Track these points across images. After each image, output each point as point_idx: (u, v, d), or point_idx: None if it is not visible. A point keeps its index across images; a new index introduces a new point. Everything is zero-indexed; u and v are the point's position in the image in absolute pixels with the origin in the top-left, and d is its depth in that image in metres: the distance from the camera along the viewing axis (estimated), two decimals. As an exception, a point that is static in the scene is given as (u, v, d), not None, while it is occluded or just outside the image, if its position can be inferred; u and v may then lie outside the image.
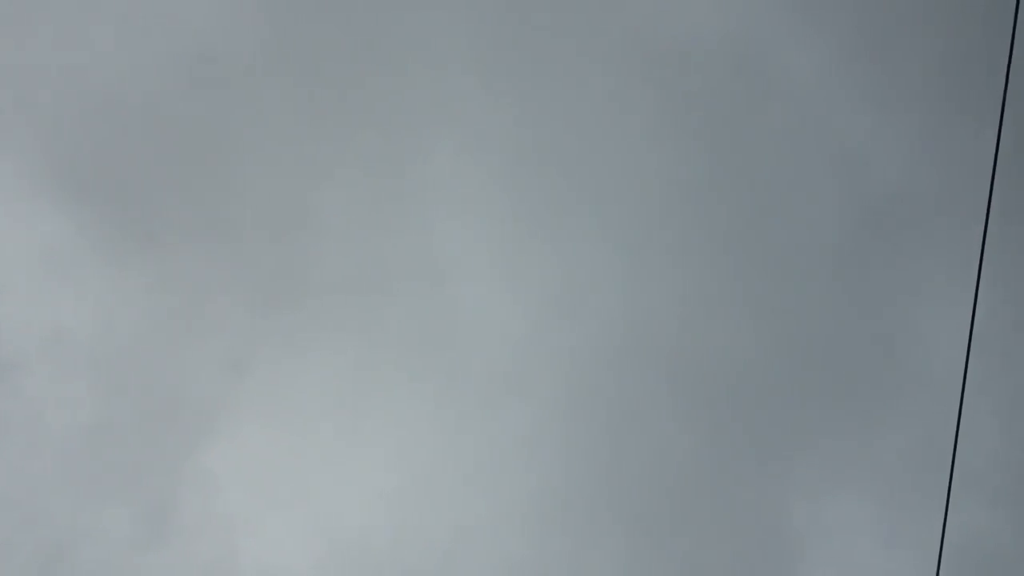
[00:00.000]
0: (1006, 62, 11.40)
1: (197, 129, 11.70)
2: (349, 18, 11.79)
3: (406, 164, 11.96)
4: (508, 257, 12.09)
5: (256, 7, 11.65)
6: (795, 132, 12.12)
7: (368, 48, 11.83)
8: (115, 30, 11.56)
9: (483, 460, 12.01)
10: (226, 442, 11.78)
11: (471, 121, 11.95)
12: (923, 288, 12.30)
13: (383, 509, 11.88)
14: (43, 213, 11.52)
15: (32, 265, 11.55)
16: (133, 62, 11.56)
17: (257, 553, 11.70)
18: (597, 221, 12.14)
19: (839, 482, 12.39)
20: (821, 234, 12.23)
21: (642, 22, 11.97)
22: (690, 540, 12.19)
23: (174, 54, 11.60)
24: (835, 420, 12.36)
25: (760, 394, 12.28)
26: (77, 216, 11.58)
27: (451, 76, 11.90)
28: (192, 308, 11.81)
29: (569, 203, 12.11)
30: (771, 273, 12.24)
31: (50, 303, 11.57)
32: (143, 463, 11.62)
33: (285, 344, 11.87)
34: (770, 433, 12.32)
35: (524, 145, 12.04)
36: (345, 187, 11.93)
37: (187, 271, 11.81)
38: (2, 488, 11.32)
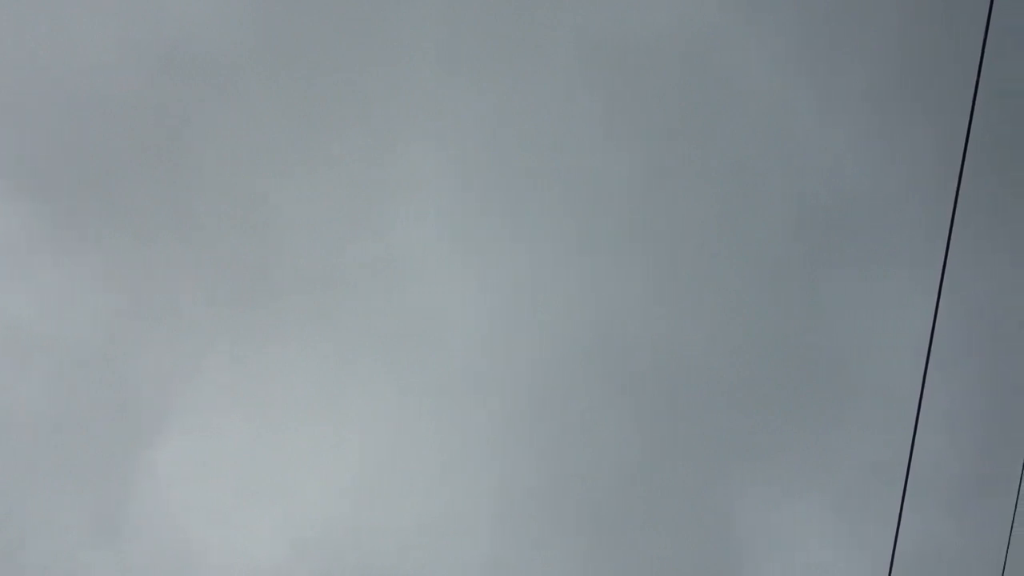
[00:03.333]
0: (965, 68, 11.49)
1: (158, 121, 11.56)
2: (317, 16, 11.71)
3: (372, 162, 11.91)
4: (473, 255, 12.08)
5: (234, 5, 11.54)
6: (751, 134, 12.16)
7: (335, 46, 11.76)
8: (72, 18, 11.31)
9: (446, 458, 12.01)
10: (184, 438, 11.71)
11: (437, 119, 11.93)
12: (879, 295, 12.40)
13: (346, 504, 11.85)
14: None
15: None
16: (91, 51, 11.33)
17: (219, 549, 11.64)
18: (559, 220, 12.17)
19: (792, 487, 12.48)
20: (777, 238, 12.29)
21: (601, 21, 11.98)
22: (645, 542, 12.25)
23: (134, 44, 11.41)
24: (789, 425, 12.44)
25: (715, 398, 12.35)
26: (31, 208, 11.41)
27: (417, 74, 11.86)
28: (150, 303, 11.70)
29: (533, 202, 12.12)
30: (729, 276, 12.30)
31: (2, 296, 11.41)
32: (100, 458, 11.52)
33: (246, 340, 11.80)
34: (725, 437, 12.39)
35: (490, 144, 12.03)
36: (309, 184, 11.86)
37: (145, 265, 11.69)
38: (-46, 482, 11.23)
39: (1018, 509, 11.24)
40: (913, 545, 11.93)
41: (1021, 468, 12.15)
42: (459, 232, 12.09)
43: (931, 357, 11.86)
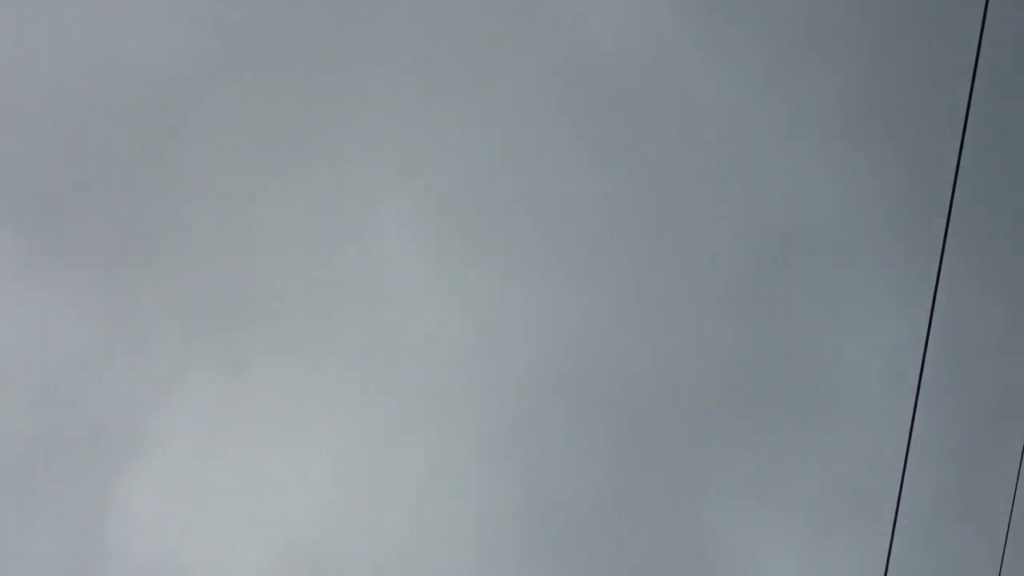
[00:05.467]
0: (933, 93, 11.66)
1: (133, 146, 11.47)
2: (290, 40, 11.69)
3: (347, 183, 11.89)
4: (448, 277, 12.09)
5: (200, 24, 11.48)
6: (723, 156, 12.28)
7: (310, 69, 11.75)
8: (45, 40, 11.21)
9: (424, 479, 11.97)
10: (160, 463, 11.57)
11: (412, 140, 11.93)
12: (848, 316, 12.51)
13: (325, 528, 11.76)
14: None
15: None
16: (62, 73, 11.26)
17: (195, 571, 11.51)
18: (534, 241, 12.21)
19: (767, 508, 12.54)
20: (750, 260, 12.40)
21: (575, 42, 12.05)
22: (623, 563, 12.27)
23: (108, 67, 11.34)
24: (764, 447, 12.52)
25: (693, 420, 12.41)
26: (1, 236, 11.29)
27: (393, 94, 11.87)
28: (123, 329, 11.58)
29: (508, 223, 12.15)
30: (703, 297, 12.38)
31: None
32: (74, 485, 11.36)
33: (221, 364, 11.69)
34: (701, 459, 12.45)
35: (464, 164, 12.06)
36: (282, 206, 11.81)
37: (119, 292, 11.58)
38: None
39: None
40: (882, 569, 11.96)
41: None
42: (435, 253, 12.08)
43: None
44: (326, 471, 11.76)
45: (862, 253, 12.38)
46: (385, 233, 11.90)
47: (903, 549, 12.34)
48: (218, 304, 11.63)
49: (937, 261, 12.03)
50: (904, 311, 12.19)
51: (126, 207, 11.48)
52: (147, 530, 11.45)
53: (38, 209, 11.31)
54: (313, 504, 11.72)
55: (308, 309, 11.75)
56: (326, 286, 11.78)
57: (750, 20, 11.89)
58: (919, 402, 12.33)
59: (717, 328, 12.35)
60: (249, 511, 11.60)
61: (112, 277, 11.49)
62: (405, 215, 11.94)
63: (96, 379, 11.46)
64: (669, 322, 12.30)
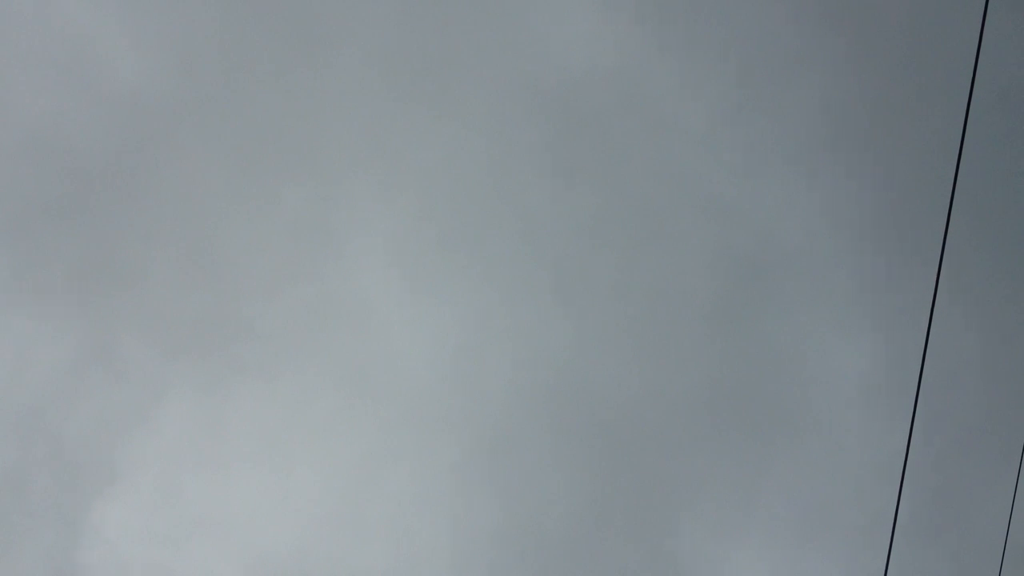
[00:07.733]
0: (896, 125, 11.78)
1: (111, 174, 11.48)
2: (267, 67, 11.72)
3: (323, 208, 11.90)
4: (425, 299, 12.13)
5: (175, 53, 11.47)
6: (692, 184, 12.34)
7: (285, 97, 11.77)
8: (30, 73, 11.22)
9: (402, 500, 11.99)
10: (136, 487, 11.57)
11: (387, 165, 11.96)
12: (818, 336, 12.59)
13: (303, 550, 11.76)
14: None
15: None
16: (44, 102, 11.24)
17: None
18: (508, 266, 12.24)
19: (740, 526, 12.57)
20: (720, 287, 12.47)
21: (547, 66, 12.10)
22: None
23: (89, 97, 11.33)
24: (738, 468, 12.59)
25: (667, 442, 12.45)
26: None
27: (366, 121, 11.90)
28: (100, 354, 11.55)
29: (485, 247, 12.17)
30: (674, 319, 12.43)
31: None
32: (51, 509, 11.32)
33: (201, 387, 11.69)
34: (675, 480, 12.48)
35: (439, 187, 12.08)
36: (262, 230, 11.82)
37: (95, 318, 11.57)
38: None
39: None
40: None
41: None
42: (411, 276, 12.10)
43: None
44: (305, 493, 11.76)
45: (835, 275, 12.47)
46: (363, 255, 11.92)
47: (879, 563, 12.42)
48: (195, 327, 11.62)
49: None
50: (876, 332, 12.27)
51: (101, 231, 11.49)
52: (125, 554, 11.39)
53: (12, 235, 11.30)
54: (292, 526, 11.72)
55: (285, 331, 11.75)
56: (304, 308, 11.78)
57: (722, 40, 11.98)
58: (901, 418, 12.40)
59: (695, 348, 12.40)
60: (227, 534, 11.59)
61: (89, 301, 11.48)
62: (383, 237, 11.96)
63: (73, 403, 11.43)
64: (647, 343, 12.33)
